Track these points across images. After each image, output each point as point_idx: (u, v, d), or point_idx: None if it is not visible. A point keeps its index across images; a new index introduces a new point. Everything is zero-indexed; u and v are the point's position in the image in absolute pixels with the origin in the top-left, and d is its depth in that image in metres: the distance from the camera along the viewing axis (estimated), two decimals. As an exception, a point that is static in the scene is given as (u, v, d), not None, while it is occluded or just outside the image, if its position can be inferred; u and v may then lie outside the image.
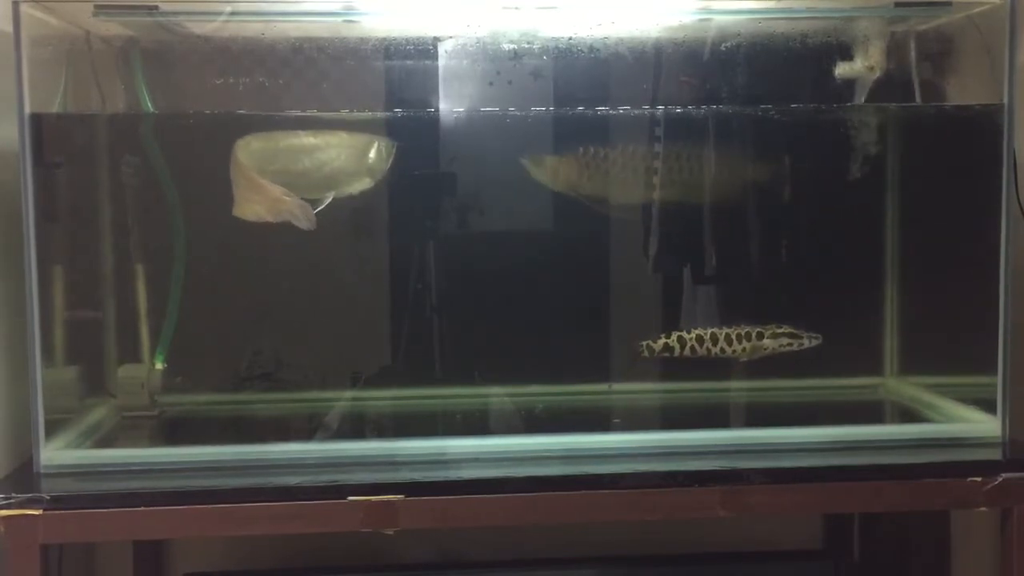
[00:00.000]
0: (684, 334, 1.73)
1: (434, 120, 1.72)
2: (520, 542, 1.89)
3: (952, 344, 1.74)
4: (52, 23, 1.56)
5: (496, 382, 1.79)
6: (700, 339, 1.73)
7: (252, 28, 1.66)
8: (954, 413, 1.69)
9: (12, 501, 1.37)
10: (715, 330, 1.73)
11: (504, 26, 1.65)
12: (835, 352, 1.79)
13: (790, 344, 1.72)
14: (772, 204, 1.88)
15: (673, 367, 1.87)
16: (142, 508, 1.39)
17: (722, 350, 1.72)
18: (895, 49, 1.72)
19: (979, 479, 1.47)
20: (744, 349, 1.71)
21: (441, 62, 1.68)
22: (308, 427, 1.71)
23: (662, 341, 1.74)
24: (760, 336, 1.72)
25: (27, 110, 1.45)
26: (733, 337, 1.72)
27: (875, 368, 1.88)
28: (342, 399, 1.78)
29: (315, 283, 1.80)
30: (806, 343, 1.73)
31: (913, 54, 1.73)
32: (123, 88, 1.67)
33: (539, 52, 1.68)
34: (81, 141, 1.69)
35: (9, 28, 1.44)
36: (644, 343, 1.74)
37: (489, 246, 1.83)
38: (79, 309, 1.64)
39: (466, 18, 1.63)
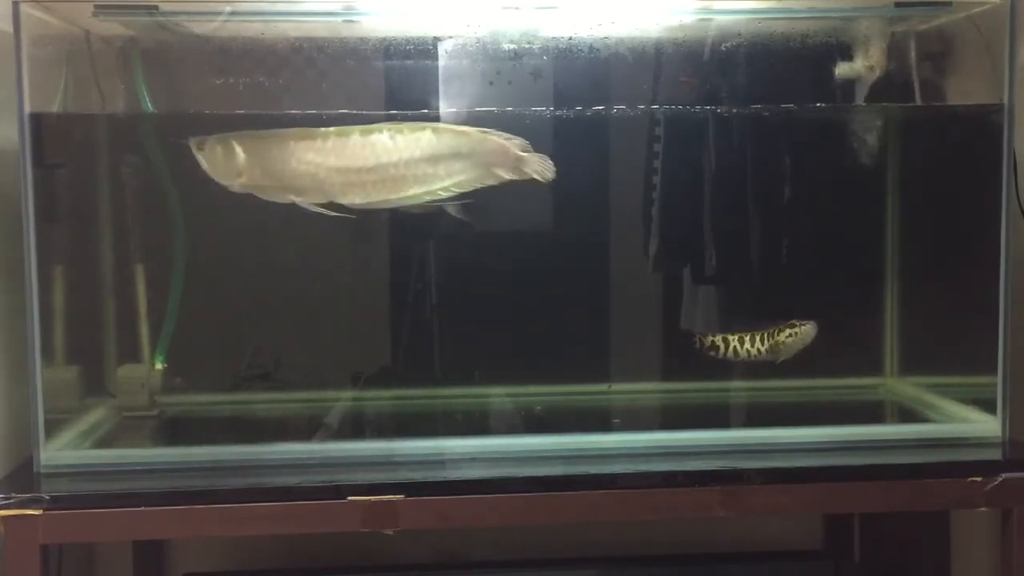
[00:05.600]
0: (728, 336, 1.74)
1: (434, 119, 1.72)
2: (520, 542, 1.89)
3: (952, 344, 1.74)
4: (52, 23, 1.56)
5: (496, 382, 1.79)
6: (741, 340, 1.74)
7: (252, 28, 1.66)
8: (954, 413, 1.69)
9: (12, 501, 1.37)
10: (753, 333, 1.74)
11: (504, 26, 1.65)
12: (835, 352, 1.79)
13: (795, 334, 1.72)
14: (773, 204, 1.88)
15: (672, 366, 1.88)
16: (142, 508, 1.39)
17: (759, 351, 1.73)
18: (895, 49, 1.72)
19: (979, 479, 1.47)
20: (768, 349, 1.72)
21: (441, 62, 1.68)
22: (308, 427, 1.71)
23: (709, 339, 1.75)
24: (780, 333, 1.73)
25: (27, 110, 1.45)
26: (757, 338, 1.73)
27: (875, 368, 1.88)
28: (342, 399, 1.78)
29: (315, 283, 1.80)
30: (800, 328, 1.71)
31: (913, 54, 1.73)
32: (123, 88, 1.67)
33: (539, 52, 1.68)
34: (81, 141, 1.69)
35: (9, 28, 1.44)
36: (697, 335, 1.76)
37: (488, 246, 1.83)
38: (79, 309, 1.64)
39: (466, 18, 1.63)
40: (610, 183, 1.86)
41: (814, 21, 1.69)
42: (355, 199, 1.53)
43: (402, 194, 1.53)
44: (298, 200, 1.53)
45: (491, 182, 1.56)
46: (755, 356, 1.73)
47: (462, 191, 1.56)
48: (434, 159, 1.53)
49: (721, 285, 1.87)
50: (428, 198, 1.55)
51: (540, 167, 1.56)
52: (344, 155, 1.52)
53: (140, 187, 1.71)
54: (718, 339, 1.74)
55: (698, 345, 1.76)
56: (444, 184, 1.54)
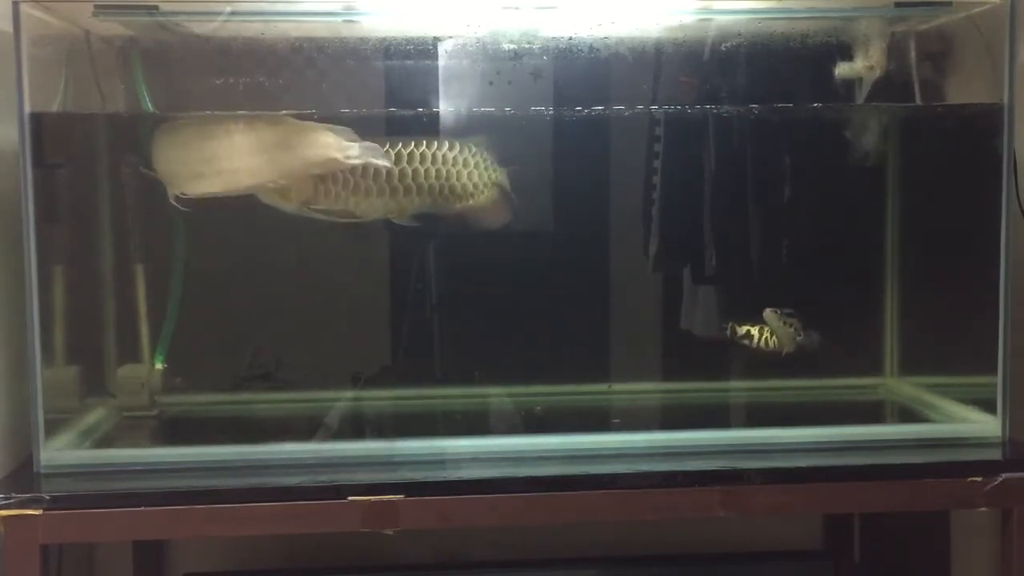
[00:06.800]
0: (764, 326, 1.76)
1: (435, 119, 1.72)
2: (520, 542, 1.89)
3: (952, 344, 1.74)
4: (52, 23, 1.56)
5: (496, 382, 1.79)
6: (772, 332, 1.76)
7: (252, 28, 1.66)
8: (954, 413, 1.69)
9: (12, 501, 1.37)
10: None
11: (504, 26, 1.65)
12: (835, 352, 1.79)
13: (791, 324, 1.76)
14: (772, 204, 1.88)
15: (672, 366, 1.88)
16: (142, 508, 1.39)
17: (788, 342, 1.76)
18: (895, 49, 1.72)
19: (979, 479, 1.47)
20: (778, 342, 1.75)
21: (441, 62, 1.68)
22: (308, 427, 1.71)
23: (745, 328, 1.76)
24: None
25: (27, 110, 1.45)
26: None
27: (875, 368, 1.88)
28: (342, 399, 1.78)
29: (315, 283, 1.80)
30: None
31: (913, 54, 1.73)
32: (123, 88, 1.67)
33: (539, 52, 1.68)
34: (81, 141, 1.69)
35: (9, 28, 1.44)
36: (730, 324, 1.78)
37: (488, 246, 1.83)
38: (79, 309, 1.64)
39: (466, 18, 1.63)
40: (610, 183, 1.86)
41: (814, 21, 1.69)
42: (197, 190, 1.55)
43: (234, 186, 1.54)
44: (176, 192, 1.56)
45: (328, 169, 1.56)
46: (776, 347, 1.75)
47: (291, 181, 1.56)
48: (258, 150, 1.53)
49: (721, 285, 1.87)
50: (266, 191, 1.57)
51: (370, 155, 1.56)
52: (187, 147, 1.55)
53: (140, 187, 1.71)
54: (755, 329, 1.75)
55: (730, 333, 1.77)
56: (272, 176, 1.54)
